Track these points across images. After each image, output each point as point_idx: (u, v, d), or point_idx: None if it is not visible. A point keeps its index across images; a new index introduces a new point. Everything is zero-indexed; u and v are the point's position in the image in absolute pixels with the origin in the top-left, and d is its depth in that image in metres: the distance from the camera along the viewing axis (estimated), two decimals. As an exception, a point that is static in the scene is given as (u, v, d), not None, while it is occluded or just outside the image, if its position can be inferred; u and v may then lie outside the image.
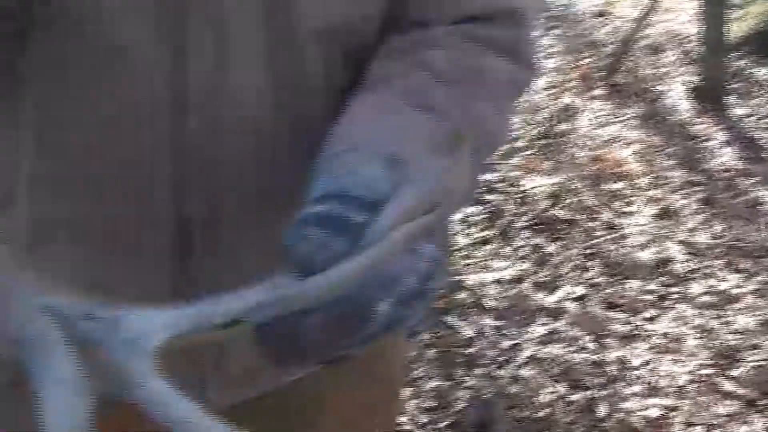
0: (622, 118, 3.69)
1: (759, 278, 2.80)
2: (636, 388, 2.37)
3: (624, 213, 3.09)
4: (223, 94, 0.77)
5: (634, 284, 2.75)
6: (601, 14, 4.63)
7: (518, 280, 2.72)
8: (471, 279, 2.69)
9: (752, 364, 2.46)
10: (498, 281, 2.71)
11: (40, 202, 0.81)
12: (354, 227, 0.63)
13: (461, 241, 2.85)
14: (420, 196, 0.65)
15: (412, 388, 2.30)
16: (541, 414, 2.27)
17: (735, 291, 2.74)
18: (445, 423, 2.23)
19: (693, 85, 3.91)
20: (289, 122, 0.80)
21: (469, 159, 0.78)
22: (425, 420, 2.23)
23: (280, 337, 0.61)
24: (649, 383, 2.39)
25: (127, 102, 0.76)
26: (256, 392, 0.92)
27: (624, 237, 2.96)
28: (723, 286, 2.77)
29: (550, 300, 2.66)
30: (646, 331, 2.57)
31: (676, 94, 3.91)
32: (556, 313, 2.61)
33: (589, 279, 2.76)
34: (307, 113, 0.81)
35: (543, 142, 3.46)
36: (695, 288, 2.75)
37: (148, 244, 0.82)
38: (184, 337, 0.57)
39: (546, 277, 2.75)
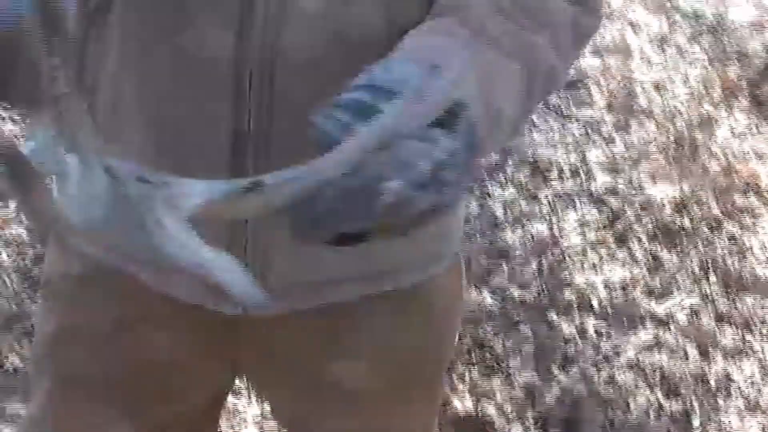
0: (763, 133, 3.58)
1: None
2: (737, 404, 2.32)
3: (750, 228, 3.01)
4: (285, 21, 0.86)
5: (751, 300, 2.68)
6: (754, 25, 4.48)
7: (629, 284, 2.69)
8: (578, 279, 2.67)
9: None
10: (607, 284, 2.68)
11: (118, 99, 0.93)
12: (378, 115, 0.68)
13: (574, 241, 2.83)
14: (444, 93, 0.69)
15: (503, 376, 2.32)
16: (633, 418, 2.24)
17: None
18: (532, 415, 2.23)
19: (842, 104, 3.75)
20: (343, 53, 0.88)
21: (518, 83, 0.83)
22: (512, 411, 2.24)
23: (297, 209, 0.66)
24: (751, 400, 2.33)
25: (197, 20, 0.87)
26: (293, 309, 0.99)
27: (747, 252, 2.88)
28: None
29: (659, 308, 2.62)
30: (755, 348, 2.50)
31: (824, 111, 3.76)
32: (663, 320, 2.57)
33: (704, 290, 2.70)
34: (364, 47, 0.87)
35: (675, 148, 3.39)
36: (815, 310, 2.66)
37: (205, 151, 0.91)
38: (216, 203, 0.65)
39: (658, 284, 2.70)
